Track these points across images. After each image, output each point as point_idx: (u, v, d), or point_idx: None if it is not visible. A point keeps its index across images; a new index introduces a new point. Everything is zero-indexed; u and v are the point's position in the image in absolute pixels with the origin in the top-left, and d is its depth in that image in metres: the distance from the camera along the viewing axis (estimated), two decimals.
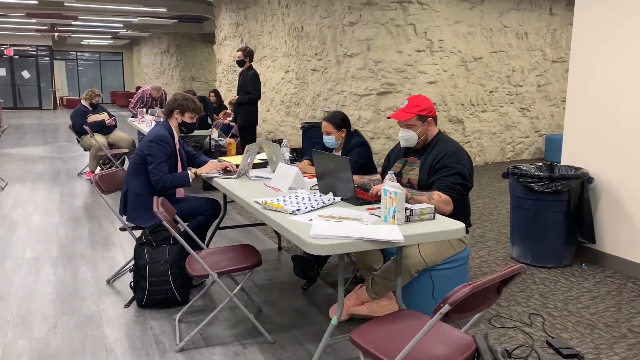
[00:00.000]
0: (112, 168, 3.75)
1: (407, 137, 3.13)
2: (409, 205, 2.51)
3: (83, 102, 7.83)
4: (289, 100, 9.96)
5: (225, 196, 4.40)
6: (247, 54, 7.33)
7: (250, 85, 7.19)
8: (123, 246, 4.66)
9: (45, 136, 13.08)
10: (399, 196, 2.43)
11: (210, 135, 7.44)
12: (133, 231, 3.72)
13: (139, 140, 8.89)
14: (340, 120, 3.91)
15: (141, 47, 23.77)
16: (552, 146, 9.40)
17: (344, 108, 8.61)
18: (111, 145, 7.90)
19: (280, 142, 4.16)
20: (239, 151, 4.47)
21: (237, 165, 3.79)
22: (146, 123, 7.16)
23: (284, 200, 2.85)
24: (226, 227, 4.49)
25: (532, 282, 3.85)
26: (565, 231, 4.10)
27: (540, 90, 9.65)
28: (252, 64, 7.41)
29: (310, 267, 3.60)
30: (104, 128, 7.79)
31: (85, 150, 7.94)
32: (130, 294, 3.58)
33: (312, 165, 4.03)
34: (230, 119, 9.52)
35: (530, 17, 9.27)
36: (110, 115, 7.96)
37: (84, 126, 7.48)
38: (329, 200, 2.86)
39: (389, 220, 2.48)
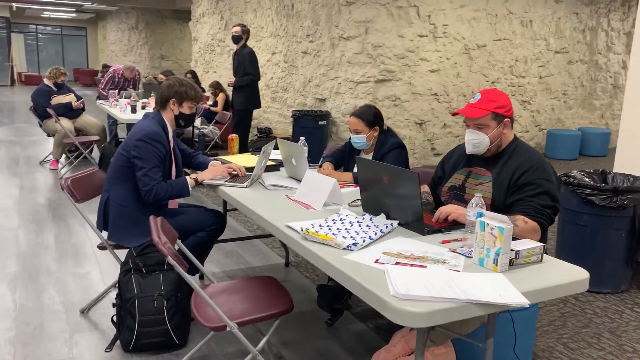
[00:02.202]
0: (90, 169, 2.97)
1: (477, 141, 2.45)
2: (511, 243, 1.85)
3: (46, 82, 6.89)
4: (275, 85, 9.17)
5: (225, 204, 3.67)
6: (246, 31, 6.65)
7: (248, 65, 6.51)
8: (98, 258, 3.88)
9: (0, 116, 11.93)
10: (505, 234, 1.76)
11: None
12: (116, 250, 2.95)
13: (109, 125, 7.99)
14: (373, 117, 3.22)
15: (107, 22, 22.38)
16: (553, 142, 8.91)
17: (338, 95, 7.90)
18: (78, 131, 7.01)
19: (298, 139, 3.46)
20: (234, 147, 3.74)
21: (246, 169, 3.07)
22: (120, 107, 6.30)
23: (328, 226, 2.15)
24: (224, 240, 3.75)
25: (593, 313, 3.27)
26: (625, 252, 3.53)
27: (542, 82, 9.13)
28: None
29: (339, 299, 2.92)
30: (70, 111, 6.88)
31: (49, 135, 7.04)
32: (111, 330, 2.83)
33: (335, 169, 3.34)
34: (210, 103, 8.69)
35: (536, 3, 8.69)
36: (78, 98, 7.05)
37: (48, 109, 6.56)
38: (386, 227, 2.17)
39: (487, 264, 1.82)
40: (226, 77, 10.58)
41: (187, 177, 2.92)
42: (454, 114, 2.54)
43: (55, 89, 6.90)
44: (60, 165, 6.78)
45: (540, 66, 9.01)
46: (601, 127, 10.09)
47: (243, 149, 6.52)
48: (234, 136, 3.64)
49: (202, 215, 3.02)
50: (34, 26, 25.65)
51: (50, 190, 5.72)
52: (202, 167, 3.19)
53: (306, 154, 2.92)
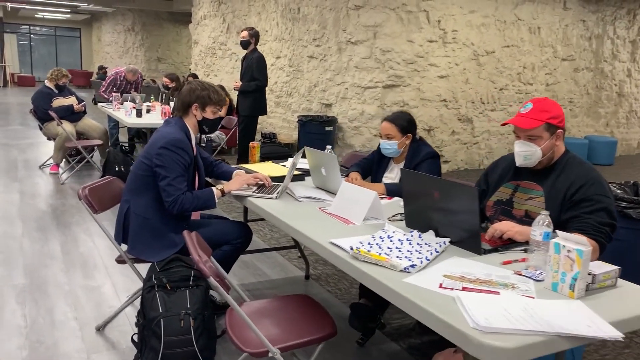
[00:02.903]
0: (106, 177, 2.79)
1: (528, 153, 2.30)
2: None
3: (47, 84, 6.69)
4: (279, 90, 9.01)
5: (246, 214, 3.51)
6: (254, 35, 6.48)
7: (256, 70, 6.32)
8: (109, 270, 3.69)
9: None
10: (584, 257, 1.61)
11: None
12: (136, 264, 2.78)
13: (110, 128, 7.79)
14: (406, 123, 3.07)
15: (102, 23, 22.14)
16: None
17: (345, 101, 7.76)
18: (79, 135, 6.81)
19: (302, 146, 3.31)
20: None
21: (271, 178, 2.91)
22: (125, 111, 6.11)
23: (377, 244, 2.00)
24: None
25: (633, 332, 3.13)
26: None
27: (549, 89, 9.04)
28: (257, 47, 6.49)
29: (373, 317, 2.76)
30: (72, 114, 6.68)
31: (49, 139, 6.83)
32: (131, 350, 2.66)
33: (363, 178, 3.18)
34: None
35: (544, 10, 8.61)
36: (80, 100, 6.85)
37: (49, 111, 6.36)
38: (440, 246, 2.02)
39: (562, 290, 1.67)
40: (228, 81, 10.42)
41: (213, 188, 2.75)
42: (503, 125, 2.40)
43: (57, 91, 6.69)
44: (60, 170, 6.57)
45: (547, 73, 8.93)
46: (606, 135, 10.03)
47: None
48: (255, 144, 3.48)
49: (227, 228, 2.86)
50: (27, 26, 25.34)
51: (52, 196, 5.52)
52: (226, 176, 3.03)
53: (338, 164, 2.76)
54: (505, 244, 2.12)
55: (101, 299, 3.25)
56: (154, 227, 2.71)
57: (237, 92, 6.55)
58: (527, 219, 2.33)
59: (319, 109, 8.16)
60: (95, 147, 6.72)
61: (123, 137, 8.26)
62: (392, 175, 3.14)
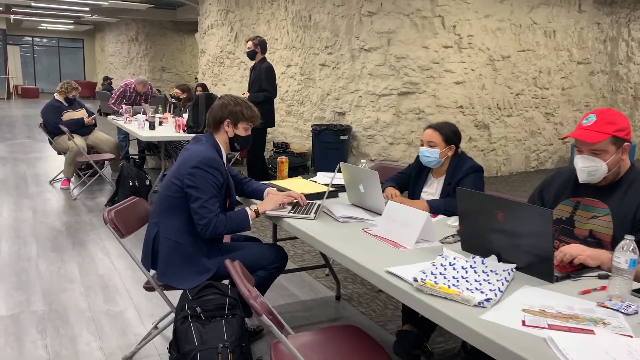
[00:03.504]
0: (131, 198, 2.63)
1: (593, 169, 2.13)
2: None
3: (57, 97, 6.54)
4: (290, 98, 8.86)
5: (275, 231, 3.34)
6: (259, 44, 6.25)
7: (264, 81, 6.10)
8: (130, 293, 3.52)
9: (1, 131, 11.55)
10: None
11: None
12: (165, 291, 2.61)
13: (119, 141, 7.64)
14: (452, 133, 2.91)
15: (105, 33, 22.06)
16: None
17: (359, 109, 7.60)
18: (90, 148, 6.66)
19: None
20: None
21: (305, 196, 2.74)
22: (138, 124, 5.96)
23: (442, 274, 1.82)
24: None
25: None
26: None
27: (565, 93, 8.88)
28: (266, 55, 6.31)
29: (419, 344, 2.59)
30: (82, 128, 6.54)
31: (59, 153, 6.68)
32: None
33: (400, 193, 3.01)
34: None
35: (560, 13, 8.46)
36: (90, 113, 6.71)
37: (60, 125, 6.22)
38: (508, 273, 1.85)
39: None
40: (236, 90, 10.28)
41: (247, 209, 2.59)
42: (563, 138, 2.23)
43: (67, 104, 6.55)
44: (71, 185, 6.41)
45: (563, 77, 8.77)
46: None
47: (261, 169, 6.16)
48: (283, 159, 3.31)
49: (262, 252, 2.69)
50: (30, 38, 25.29)
51: (66, 213, 5.36)
52: (257, 194, 2.86)
53: (379, 181, 2.59)
54: (576, 269, 1.95)
55: (125, 326, 3.08)
56: (185, 252, 2.54)
57: None
58: (592, 240, 2.17)
59: (332, 117, 8.01)
60: (107, 162, 6.57)
61: (132, 150, 8.11)
62: (432, 190, 2.97)
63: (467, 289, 1.72)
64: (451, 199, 2.76)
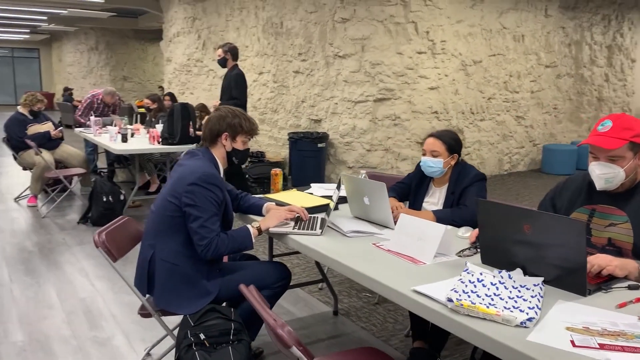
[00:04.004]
0: (120, 218, 2.47)
1: (610, 176, 2.09)
2: None
3: (20, 110, 6.24)
4: (263, 106, 8.72)
5: (271, 246, 3.21)
6: (229, 51, 6.04)
7: (234, 89, 5.90)
8: (116, 317, 3.32)
9: None
10: None
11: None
12: (164, 317, 2.44)
13: (87, 153, 7.35)
14: (454, 142, 2.84)
15: (63, 43, 21.40)
16: (549, 157, 8.79)
17: (335, 116, 7.53)
18: (58, 163, 6.37)
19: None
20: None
21: (307, 210, 2.63)
22: (110, 136, 5.71)
23: (473, 292, 1.73)
24: None
25: None
26: None
27: (534, 96, 9.03)
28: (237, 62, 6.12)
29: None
30: (49, 141, 6.24)
31: (25, 169, 6.36)
32: None
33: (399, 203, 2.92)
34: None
35: (528, 18, 8.60)
36: (57, 126, 6.42)
37: (25, 139, 5.92)
38: (540, 288, 1.77)
39: None
40: (205, 99, 10.06)
41: (249, 226, 2.45)
42: (579, 145, 2.18)
43: (32, 118, 6.25)
44: (39, 202, 6.11)
45: (532, 81, 8.91)
46: None
47: (238, 182, 5.98)
48: (277, 171, 3.19)
49: (265, 271, 2.55)
50: None
51: (36, 232, 5.09)
52: (255, 210, 2.72)
53: (387, 193, 2.49)
54: (604, 280, 1.89)
55: (115, 354, 2.89)
56: (184, 275, 2.38)
57: None
58: (612, 248, 2.12)
59: (308, 125, 7.90)
60: (79, 177, 6.28)
61: (100, 163, 7.83)
62: (434, 200, 2.89)
63: (505, 307, 1.63)
64: (457, 208, 2.69)
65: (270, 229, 2.47)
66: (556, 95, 9.39)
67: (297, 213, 2.58)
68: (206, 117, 2.57)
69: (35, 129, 6.17)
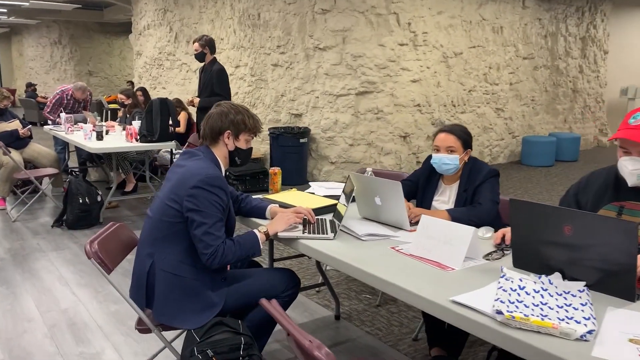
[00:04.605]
0: (111, 224, 2.25)
1: None
2: None
3: None
4: (241, 101, 8.47)
5: (272, 250, 3.03)
6: (207, 44, 5.76)
7: (216, 85, 5.65)
8: (103, 329, 3.09)
9: None
10: None
11: (172, 150, 5.84)
12: (164, 332, 2.24)
13: (57, 152, 6.99)
14: (467, 136, 2.70)
15: (24, 36, 20.57)
16: (528, 149, 8.80)
17: (316, 110, 7.35)
18: (27, 163, 6.02)
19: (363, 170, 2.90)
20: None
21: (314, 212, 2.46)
22: (85, 134, 5.41)
23: (520, 301, 1.59)
24: None
25: None
26: None
27: (512, 88, 9.02)
28: (215, 55, 5.87)
29: None
30: (17, 140, 5.90)
31: None
32: None
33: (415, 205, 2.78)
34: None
35: (506, 9, 8.58)
36: (24, 124, 6.07)
37: None
38: (587, 294, 1.64)
39: None
40: (179, 94, 9.76)
41: (256, 231, 2.26)
42: (610, 140, 2.07)
43: None
44: (8, 205, 5.77)
45: (510, 73, 8.90)
46: (565, 131, 10.15)
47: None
48: (276, 169, 3.00)
49: (274, 278, 2.37)
50: None
51: (7, 238, 4.77)
52: (257, 213, 2.54)
53: (402, 193, 2.34)
54: None
55: None
56: (186, 286, 2.19)
57: (195, 108, 5.91)
58: None
59: (288, 119, 7.71)
60: (51, 177, 5.95)
61: (72, 163, 7.48)
62: (444, 198, 2.75)
63: (559, 318, 1.50)
64: (472, 207, 2.55)
65: (278, 234, 2.29)
66: (533, 87, 9.42)
67: (305, 215, 2.41)
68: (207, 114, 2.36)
69: (1, 127, 5.82)
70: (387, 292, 1.88)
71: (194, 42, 5.82)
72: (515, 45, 8.88)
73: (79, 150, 6.94)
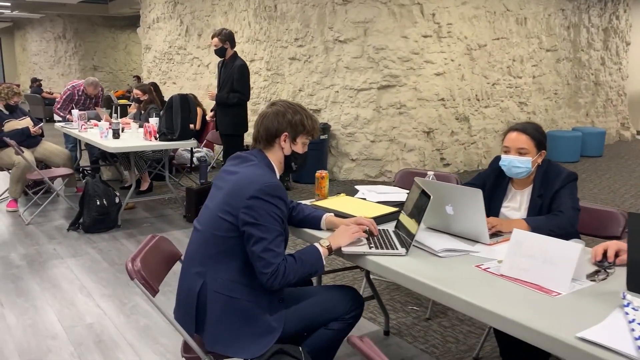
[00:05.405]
0: (149, 237, 1.98)
1: None
2: None
3: None
4: (256, 96, 8.20)
5: None
6: (227, 38, 5.37)
7: (237, 81, 5.29)
8: (135, 347, 2.84)
9: None
10: None
11: (192, 148, 5.57)
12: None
13: (68, 150, 6.72)
14: (541, 136, 2.44)
15: (27, 31, 20.29)
16: (553, 144, 8.51)
17: (336, 105, 7.08)
18: (38, 162, 5.75)
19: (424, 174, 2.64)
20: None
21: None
22: (101, 132, 5.14)
23: None
24: None
25: None
26: None
27: (535, 82, 8.73)
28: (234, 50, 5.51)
29: None
30: (28, 138, 5.63)
31: (2, 169, 5.73)
32: None
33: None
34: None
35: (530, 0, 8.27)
36: (36, 122, 5.80)
37: (3, 137, 5.31)
38: None
39: None
40: (190, 88, 9.49)
41: (317, 245, 2.00)
42: None
43: (8, 113, 5.62)
44: (20, 207, 5.51)
45: (533, 65, 8.61)
46: (587, 125, 9.87)
47: None
48: (323, 173, 2.72)
49: (336, 298, 2.10)
50: None
51: (22, 242, 4.52)
52: (312, 223, 2.28)
53: (483, 202, 2.07)
54: None
55: None
56: (243, 309, 1.92)
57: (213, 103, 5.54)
58: None
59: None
60: (65, 177, 5.68)
61: (84, 161, 7.22)
62: (515, 204, 2.49)
63: None
64: (553, 216, 2.28)
65: (342, 249, 2.02)
66: (556, 80, 9.13)
67: (367, 226, 2.14)
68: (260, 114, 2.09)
69: (12, 125, 5.55)
70: (484, 321, 1.62)
71: (212, 37, 5.46)
72: (539, 37, 8.58)
73: (90, 148, 6.69)
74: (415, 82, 6.98)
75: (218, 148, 7.64)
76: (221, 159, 7.13)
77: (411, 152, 7.02)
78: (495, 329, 2.36)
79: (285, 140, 2.07)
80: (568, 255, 1.71)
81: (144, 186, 6.17)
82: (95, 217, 4.74)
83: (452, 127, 7.42)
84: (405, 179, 3.51)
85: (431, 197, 1.97)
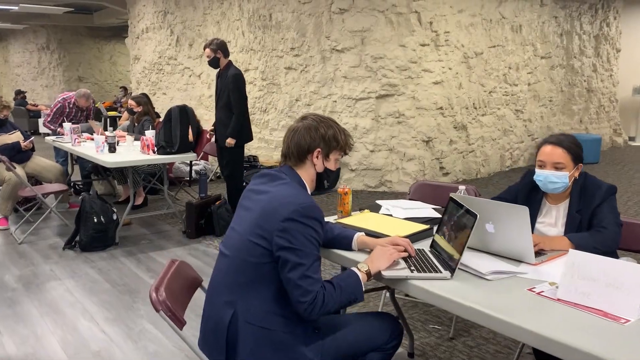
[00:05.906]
0: (169, 263, 1.83)
1: None
2: None
3: None
4: (251, 106, 8.02)
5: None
6: (218, 48, 5.07)
7: (232, 92, 5.01)
8: None
9: None
10: None
11: (191, 162, 5.39)
12: None
13: (62, 164, 6.50)
14: (579, 148, 2.33)
15: (9, 42, 19.93)
16: None
17: (334, 114, 6.96)
18: (29, 178, 5.54)
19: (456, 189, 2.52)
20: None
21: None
22: (97, 146, 4.94)
23: None
24: None
25: None
26: None
27: (531, 89, 8.71)
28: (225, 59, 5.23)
29: None
30: (18, 153, 5.42)
31: None
32: None
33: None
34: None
35: (524, 7, 8.26)
36: (26, 136, 5.60)
37: None
38: None
39: None
40: (180, 100, 9.32)
41: (356, 270, 1.86)
42: None
43: None
44: (12, 226, 5.29)
45: (529, 73, 8.60)
46: (582, 132, 9.87)
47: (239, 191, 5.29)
48: (346, 189, 2.59)
49: (375, 327, 1.96)
50: None
51: (15, 263, 4.31)
52: (342, 243, 2.13)
53: (529, 220, 1.95)
54: None
55: None
56: (277, 341, 1.78)
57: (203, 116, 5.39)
58: None
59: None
60: (60, 194, 5.46)
61: (76, 176, 7.00)
62: (551, 220, 2.38)
63: None
64: (596, 232, 2.18)
65: (382, 273, 1.89)
66: (551, 87, 9.12)
67: (404, 247, 2.01)
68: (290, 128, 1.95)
69: (2, 139, 5.35)
70: (551, 352, 1.48)
71: (204, 49, 5.23)
72: (534, 44, 8.57)
73: (81, 162, 6.48)
74: (413, 91, 6.90)
75: (212, 159, 7.46)
76: (218, 171, 6.96)
77: (411, 161, 6.92)
78: (535, 349, 2.24)
79: (317, 157, 1.94)
80: (635, 278, 1.59)
81: (139, 200, 5.99)
82: (93, 235, 4.55)
83: (451, 136, 7.34)
84: (420, 192, 3.40)
85: (478, 216, 1.84)
